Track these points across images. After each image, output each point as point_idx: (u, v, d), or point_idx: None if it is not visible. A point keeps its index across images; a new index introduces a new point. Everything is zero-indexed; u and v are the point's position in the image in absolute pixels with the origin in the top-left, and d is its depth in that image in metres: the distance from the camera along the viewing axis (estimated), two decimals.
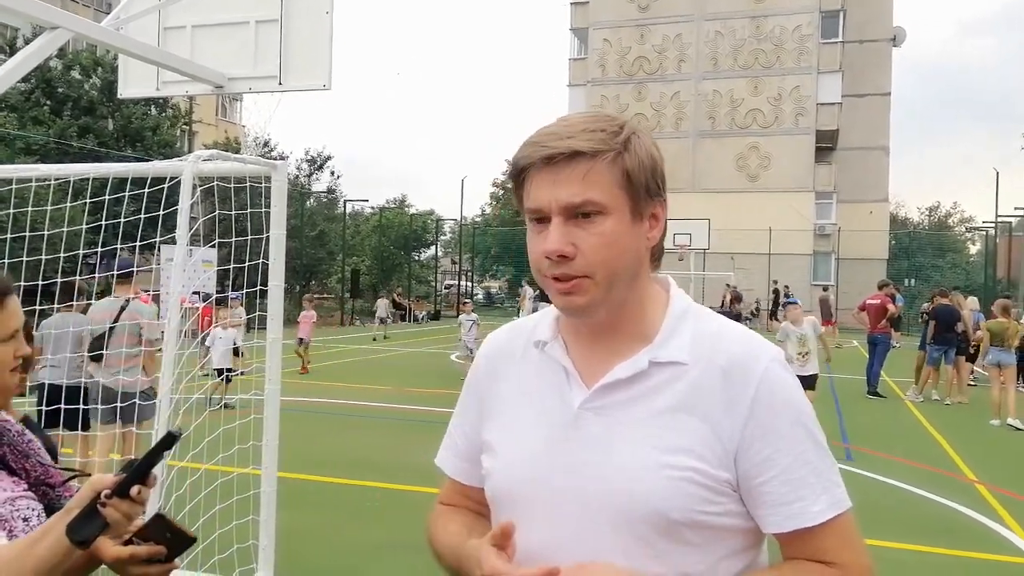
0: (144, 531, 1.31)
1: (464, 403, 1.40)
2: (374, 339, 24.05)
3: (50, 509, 1.47)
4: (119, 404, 5.91)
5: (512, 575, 1.10)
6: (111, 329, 6.07)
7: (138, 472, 1.26)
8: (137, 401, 5.14)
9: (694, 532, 1.13)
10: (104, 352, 6.11)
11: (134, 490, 1.25)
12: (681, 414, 1.15)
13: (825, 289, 27.77)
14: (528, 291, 30.69)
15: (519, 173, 1.18)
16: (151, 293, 6.48)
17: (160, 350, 5.15)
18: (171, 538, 1.31)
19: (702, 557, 1.14)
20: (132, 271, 6.30)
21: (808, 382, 8.79)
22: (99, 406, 5.85)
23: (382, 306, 25.91)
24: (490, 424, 1.31)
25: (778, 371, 1.18)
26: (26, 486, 1.50)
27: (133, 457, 1.30)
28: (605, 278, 1.15)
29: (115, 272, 6.29)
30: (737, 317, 22.77)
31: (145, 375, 5.93)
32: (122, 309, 6.12)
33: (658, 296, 1.26)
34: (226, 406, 10.51)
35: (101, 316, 6.19)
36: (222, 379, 10.92)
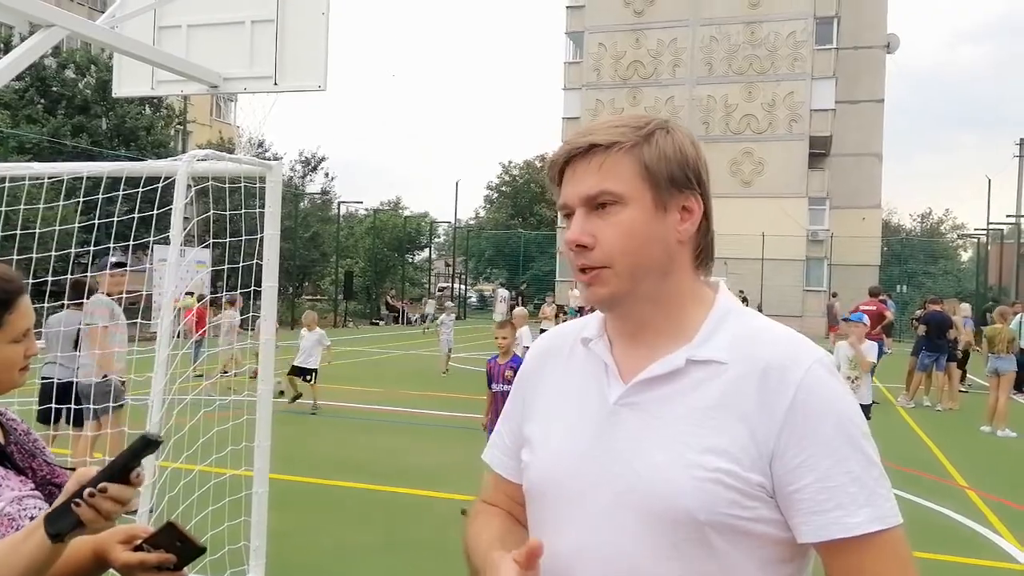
0: (155, 538, 1.32)
1: (512, 401, 1.41)
2: (423, 331, 28.88)
3: None
4: (82, 403, 5.85)
5: None
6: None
7: (109, 471, 1.24)
8: (92, 395, 5.10)
9: (722, 536, 1.09)
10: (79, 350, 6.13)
11: (101, 485, 1.22)
12: (716, 413, 1.12)
13: (834, 295, 27.66)
14: (502, 293, 31.59)
15: (555, 175, 1.22)
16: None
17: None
18: (181, 547, 1.31)
19: (731, 564, 1.10)
20: (105, 271, 6.27)
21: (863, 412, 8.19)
22: (85, 405, 5.83)
23: (429, 304, 32.20)
24: (532, 419, 1.31)
25: (821, 375, 1.12)
26: (32, 485, 1.49)
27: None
28: (626, 268, 1.15)
29: (97, 273, 6.32)
30: None
31: (98, 368, 5.88)
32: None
33: (704, 297, 1.24)
34: (314, 412, 10.91)
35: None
36: (308, 379, 11.10)
